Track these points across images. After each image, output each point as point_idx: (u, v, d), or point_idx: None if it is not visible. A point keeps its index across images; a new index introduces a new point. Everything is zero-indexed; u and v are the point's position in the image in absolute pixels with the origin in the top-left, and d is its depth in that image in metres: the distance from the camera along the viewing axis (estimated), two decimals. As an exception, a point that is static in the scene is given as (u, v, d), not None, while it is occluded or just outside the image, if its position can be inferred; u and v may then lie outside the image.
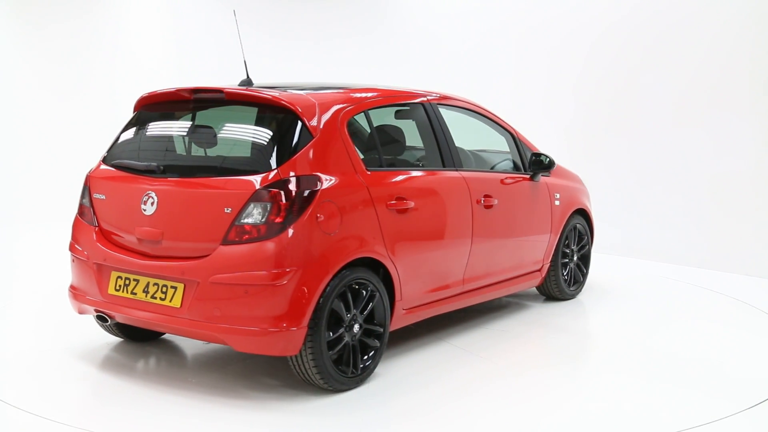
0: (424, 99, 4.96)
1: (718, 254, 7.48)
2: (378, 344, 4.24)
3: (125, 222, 4.20)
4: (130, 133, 4.52)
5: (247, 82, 4.44)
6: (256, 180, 3.82)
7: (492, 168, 5.59)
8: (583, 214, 6.22)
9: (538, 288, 6.04)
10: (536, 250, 5.67)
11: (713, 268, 7.45)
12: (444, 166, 4.85)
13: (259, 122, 4.13)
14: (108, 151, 4.55)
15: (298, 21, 10.39)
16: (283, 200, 3.78)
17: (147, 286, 4.03)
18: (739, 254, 7.34)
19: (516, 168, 5.58)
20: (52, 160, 9.79)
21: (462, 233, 4.87)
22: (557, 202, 5.80)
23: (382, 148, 4.54)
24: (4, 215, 9.48)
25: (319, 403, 3.96)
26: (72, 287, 4.49)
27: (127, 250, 4.19)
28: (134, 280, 4.10)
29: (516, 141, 5.60)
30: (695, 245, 7.66)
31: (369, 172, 4.25)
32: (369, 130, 4.51)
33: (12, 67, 9.87)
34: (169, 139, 4.41)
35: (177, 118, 4.45)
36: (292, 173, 3.84)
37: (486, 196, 5.05)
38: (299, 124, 3.99)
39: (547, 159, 5.58)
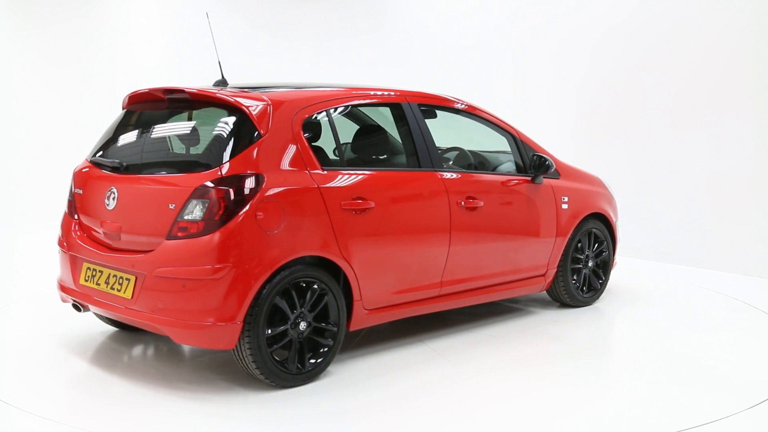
0: (403, 99, 4.91)
1: (718, 254, 7.48)
2: (331, 343, 4.28)
3: (94, 216, 4.45)
4: (110, 131, 4.71)
5: (222, 83, 4.59)
6: (199, 178, 3.94)
7: (494, 169, 5.48)
8: (603, 219, 5.98)
9: (549, 294, 5.91)
10: (538, 254, 5.51)
11: (713, 268, 7.45)
12: (420, 167, 4.81)
13: (212, 122, 4.24)
14: (93, 148, 4.75)
15: (299, 21, 10.39)
16: (221, 198, 3.88)
17: (108, 277, 4.23)
18: (739, 254, 7.34)
19: (519, 170, 5.46)
20: (52, 160, 9.78)
21: (436, 235, 4.78)
22: (565, 206, 5.61)
23: (346, 147, 4.66)
24: (4, 215, 9.48)
25: (258, 397, 4.02)
26: (59, 278, 4.72)
27: (96, 242, 4.42)
28: (99, 271, 4.31)
29: (517, 142, 5.48)
30: (695, 245, 7.66)
31: (325, 172, 4.27)
32: (331, 130, 4.54)
33: (12, 68, 9.87)
34: (138, 137, 4.55)
35: (149, 117, 4.57)
36: (233, 172, 3.93)
37: (469, 197, 4.95)
38: (247, 123, 4.08)
39: (546, 161, 5.41)
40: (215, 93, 4.23)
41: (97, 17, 10.14)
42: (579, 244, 5.81)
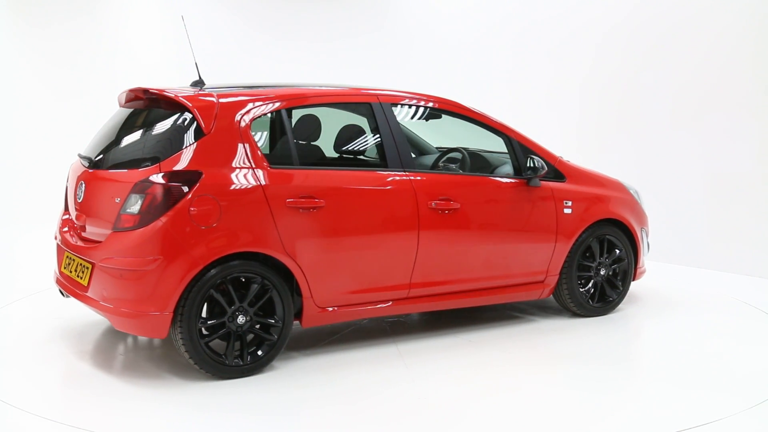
0: (374, 99, 4.89)
1: (718, 254, 7.47)
2: (274, 338, 4.37)
3: (73, 208, 4.75)
4: (99, 127, 4.98)
5: (199, 83, 4.73)
6: (140, 173, 4.15)
7: (493, 171, 5.40)
8: (623, 226, 5.68)
9: (557, 302, 5.67)
10: (533, 259, 5.31)
11: (713, 268, 7.45)
12: (387, 167, 4.79)
13: (164, 120, 4.42)
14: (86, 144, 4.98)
15: (300, 22, 10.38)
16: (156, 192, 4.07)
17: (77, 265, 4.49)
18: (739, 254, 7.34)
19: (517, 172, 5.27)
20: (52, 160, 9.77)
21: (400, 236, 4.73)
22: (568, 210, 5.38)
23: (301, 146, 4.75)
24: (4, 215, 9.48)
25: (190, 387, 4.16)
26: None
27: (75, 233, 4.68)
28: (72, 259, 4.57)
29: (512, 143, 5.29)
30: (695, 245, 7.66)
31: (271, 170, 4.35)
32: (285, 129, 4.60)
33: (12, 68, 9.86)
34: (110, 134, 4.69)
35: (124, 116, 4.74)
36: (171, 168, 4.12)
37: (443, 199, 4.87)
38: (192, 122, 4.27)
39: (537, 163, 5.21)
40: (165, 92, 4.43)
41: (97, 17, 10.13)
42: (589, 251, 5.56)
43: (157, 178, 4.10)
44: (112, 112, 5.06)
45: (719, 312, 6.00)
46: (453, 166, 5.37)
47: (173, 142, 4.23)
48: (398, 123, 4.91)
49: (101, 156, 4.56)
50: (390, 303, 4.81)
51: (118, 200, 4.18)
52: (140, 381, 4.30)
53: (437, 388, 4.26)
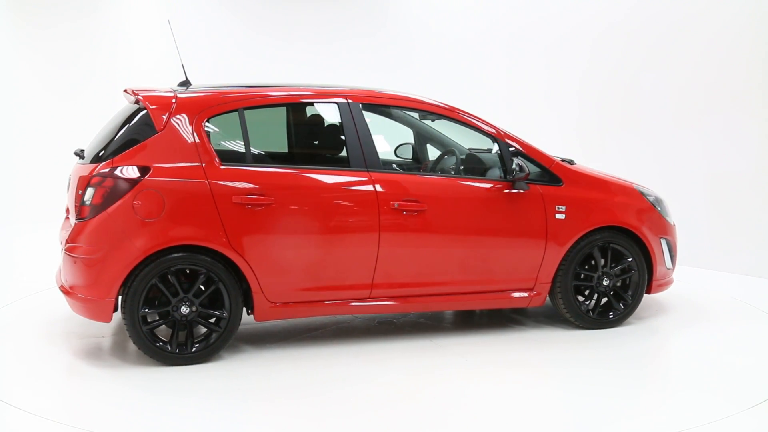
0: (343, 98, 4.91)
1: (718, 254, 7.47)
2: (220, 329, 4.54)
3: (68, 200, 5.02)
4: (101, 125, 5.16)
5: (186, 83, 5.02)
6: (97, 168, 4.45)
7: (484, 173, 5.18)
8: (633, 234, 5.33)
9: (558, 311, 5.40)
10: (518, 265, 5.11)
11: (713, 268, 7.45)
12: (350, 167, 4.80)
13: (131, 118, 4.69)
14: None
15: (301, 23, 10.38)
16: (103, 185, 4.38)
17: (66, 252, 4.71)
18: (739, 254, 7.34)
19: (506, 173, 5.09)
20: (52, 160, 9.78)
21: (357, 235, 4.74)
22: (561, 215, 5.13)
23: (257, 145, 4.88)
24: (4, 215, 9.48)
25: (190, 387, 4.23)
26: None
27: (66, 224, 4.98)
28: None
29: (499, 144, 5.13)
30: (695, 245, 7.66)
31: (222, 168, 4.53)
32: (242, 129, 4.70)
33: (12, 68, 9.86)
34: (101, 130, 4.98)
35: (119, 113, 4.97)
36: (121, 163, 4.43)
37: (408, 200, 4.81)
38: (147, 119, 4.56)
39: (519, 166, 4.98)
40: (135, 92, 4.73)
41: (97, 18, 10.13)
42: (589, 260, 5.30)
43: (108, 172, 4.40)
44: (112, 112, 5.12)
45: (719, 312, 6.00)
46: (452, 166, 5.34)
47: (131, 138, 4.54)
48: (366, 123, 4.92)
49: (85, 150, 4.88)
50: (352, 302, 4.82)
51: (80, 192, 4.48)
52: (141, 381, 4.30)
53: (367, 389, 4.25)
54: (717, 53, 7.46)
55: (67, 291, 4.55)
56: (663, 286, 5.57)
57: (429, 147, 5.89)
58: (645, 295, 5.56)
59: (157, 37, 10.06)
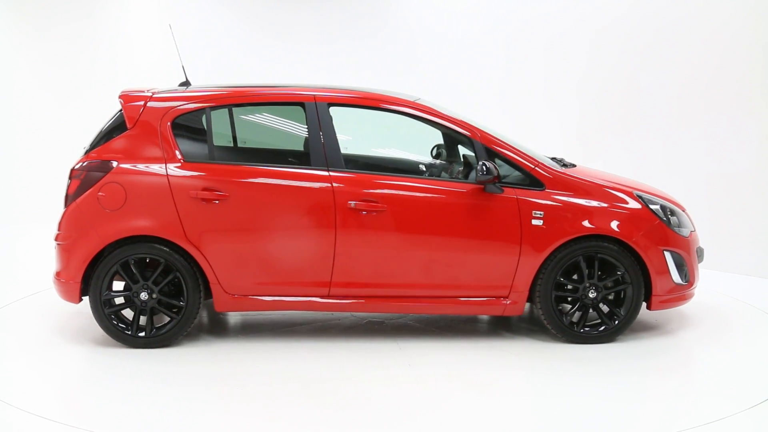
0: (310, 98, 4.97)
1: (718, 254, 7.47)
2: (177, 316, 4.83)
3: None
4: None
5: (186, 83, 5.33)
6: (77, 162, 4.88)
7: (467, 174, 5.08)
8: (626, 245, 4.96)
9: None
10: (491, 272, 4.92)
11: (713, 268, 7.44)
12: (310, 165, 4.88)
13: (115, 116, 5.05)
14: None
15: (302, 23, 10.38)
16: (75, 177, 4.84)
17: None
18: (739, 254, 7.33)
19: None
20: (52, 160, 9.77)
21: (314, 233, 4.80)
22: (538, 221, 4.86)
23: (221, 142, 5.18)
24: (4, 215, 9.48)
25: (190, 388, 4.28)
26: None
27: None
28: None
29: (474, 145, 4.97)
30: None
31: (183, 164, 4.82)
32: (208, 128, 4.94)
33: (12, 68, 9.86)
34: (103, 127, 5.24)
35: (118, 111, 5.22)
36: (92, 158, 4.84)
37: (367, 200, 4.80)
38: (121, 117, 4.96)
39: (488, 170, 4.74)
40: (123, 92, 5.02)
41: (98, 18, 10.12)
42: (574, 270, 5.02)
43: (82, 165, 4.84)
44: (112, 112, 5.16)
45: (719, 312, 6.00)
46: (451, 167, 5.33)
47: (107, 135, 4.95)
48: (331, 123, 4.95)
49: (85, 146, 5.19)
50: (312, 299, 4.90)
51: (67, 184, 4.92)
52: (141, 381, 4.31)
53: (308, 389, 4.26)
54: (717, 51, 7.45)
55: (53, 277, 4.95)
56: (670, 302, 5.13)
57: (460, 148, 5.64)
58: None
59: (157, 37, 10.06)
